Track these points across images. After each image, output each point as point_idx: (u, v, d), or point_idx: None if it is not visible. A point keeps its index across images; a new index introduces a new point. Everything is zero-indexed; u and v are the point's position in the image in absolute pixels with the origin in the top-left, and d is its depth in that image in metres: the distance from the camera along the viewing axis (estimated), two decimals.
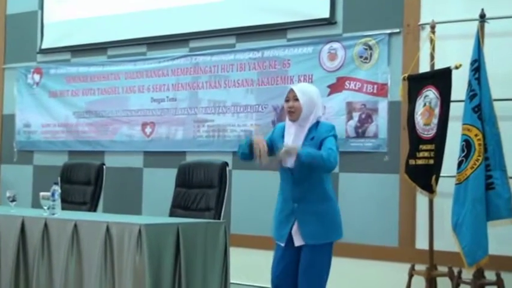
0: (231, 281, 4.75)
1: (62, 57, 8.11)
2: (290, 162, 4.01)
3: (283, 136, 4.14)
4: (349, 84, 6.06)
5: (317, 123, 4.08)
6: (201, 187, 5.36)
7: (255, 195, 6.32)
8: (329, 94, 6.12)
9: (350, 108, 6.03)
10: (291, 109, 4.04)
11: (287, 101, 4.07)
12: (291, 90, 4.07)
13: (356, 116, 6.00)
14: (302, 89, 4.10)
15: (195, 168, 5.50)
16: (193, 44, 7.08)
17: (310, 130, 4.04)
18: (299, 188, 4.05)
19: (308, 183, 4.01)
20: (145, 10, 7.41)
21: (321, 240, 3.99)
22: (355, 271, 5.83)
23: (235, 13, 6.79)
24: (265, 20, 6.60)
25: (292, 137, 4.06)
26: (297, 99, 4.02)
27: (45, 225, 4.53)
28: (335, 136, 4.04)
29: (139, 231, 4.10)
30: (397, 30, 5.87)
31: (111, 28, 7.66)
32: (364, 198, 5.91)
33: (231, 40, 6.84)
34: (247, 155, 4.10)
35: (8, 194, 5.14)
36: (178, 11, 7.17)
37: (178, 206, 5.41)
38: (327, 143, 3.93)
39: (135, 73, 7.43)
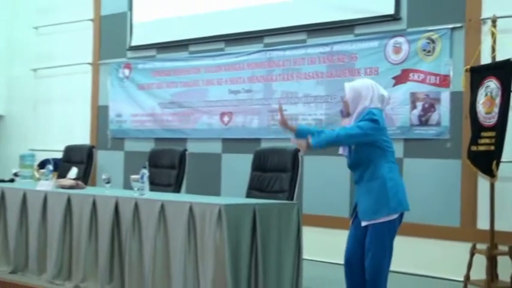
0: (304, 257, 4.70)
1: (148, 53, 8.18)
2: (344, 150, 4.06)
3: None
4: (413, 75, 5.93)
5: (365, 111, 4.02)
6: (275, 171, 5.32)
7: (325, 179, 6.26)
8: (394, 85, 6.00)
9: (414, 98, 5.90)
10: (343, 105, 4.09)
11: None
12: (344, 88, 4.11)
13: (419, 105, 5.86)
14: (350, 86, 4.11)
15: (270, 153, 5.46)
16: (267, 40, 7.04)
17: (357, 118, 3.99)
18: (355, 171, 4.07)
19: (361, 165, 4.00)
20: (223, 10, 7.41)
21: (371, 217, 3.91)
22: (420, 249, 5.73)
23: (306, 11, 6.73)
24: (334, 17, 6.52)
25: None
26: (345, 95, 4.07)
27: (136, 204, 4.59)
28: (369, 120, 3.92)
29: (219, 211, 4.11)
30: (459, 24, 5.71)
31: (192, 26, 7.69)
32: (427, 182, 5.78)
33: (303, 36, 6.77)
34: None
35: (103, 177, 5.23)
36: (253, 10, 7.15)
37: (254, 188, 5.39)
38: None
39: (214, 67, 7.43)
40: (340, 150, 4.13)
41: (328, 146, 3.97)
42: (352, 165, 4.07)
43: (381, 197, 3.91)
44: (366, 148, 3.93)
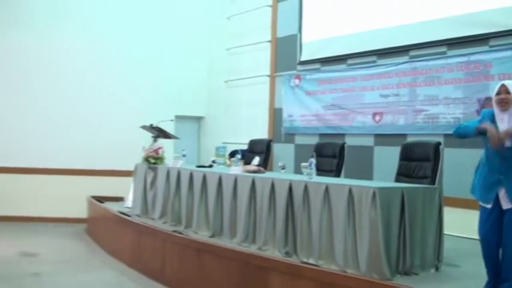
0: (445, 232, 4.57)
1: (314, 66, 8.24)
2: (509, 142, 3.68)
3: (492, 121, 3.73)
4: None
5: None
6: (419, 160, 5.18)
7: (461, 167, 5.96)
8: None
9: None
10: (504, 100, 3.69)
11: (498, 94, 3.73)
12: (503, 85, 3.71)
13: None
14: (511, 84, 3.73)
15: (415, 146, 5.34)
16: (412, 53, 6.84)
17: None
18: (506, 163, 3.68)
19: None
20: (375, 29, 7.31)
21: None
22: None
23: (446, 27, 6.45)
24: (470, 32, 6.20)
25: (506, 123, 3.68)
26: (508, 93, 3.68)
27: (305, 186, 4.66)
28: None
29: (374, 192, 4.08)
30: None
31: (349, 44, 7.65)
32: None
33: (443, 49, 6.50)
34: (467, 135, 3.87)
35: (279, 164, 5.34)
36: (400, 28, 6.97)
37: (402, 174, 5.28)
38: None
39: (368, 76, 7.34)
40: (508, 143, 3.70)
41: None
42: (505, 158, 3.69)
43: None
44: None
